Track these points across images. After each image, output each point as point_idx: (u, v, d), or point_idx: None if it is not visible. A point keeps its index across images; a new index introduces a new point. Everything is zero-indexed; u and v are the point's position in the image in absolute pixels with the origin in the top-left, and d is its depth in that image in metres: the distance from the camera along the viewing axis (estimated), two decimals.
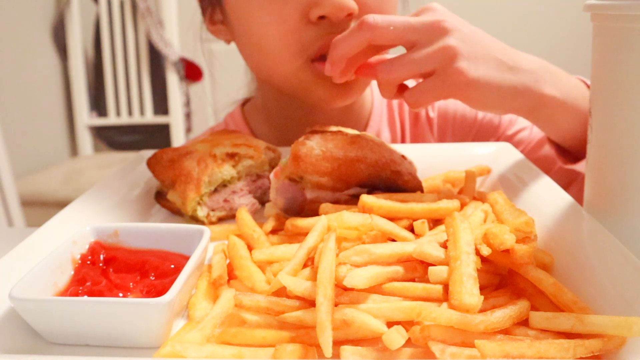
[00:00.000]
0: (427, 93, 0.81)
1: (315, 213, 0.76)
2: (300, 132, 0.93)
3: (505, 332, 0.52)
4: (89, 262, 0.66)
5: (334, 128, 0.84)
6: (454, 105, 1.25)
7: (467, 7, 3.41)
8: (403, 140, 1.27)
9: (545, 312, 0.52)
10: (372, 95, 1.28)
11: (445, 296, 0.54)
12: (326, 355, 0.48)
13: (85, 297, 0.58)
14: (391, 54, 0.92)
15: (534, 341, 0.48)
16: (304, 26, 0.94)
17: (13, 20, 3.09)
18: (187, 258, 0.64)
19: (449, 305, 0.52)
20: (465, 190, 0.82)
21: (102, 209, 0.84)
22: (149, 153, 1.01)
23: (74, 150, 3.53)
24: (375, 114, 1.25)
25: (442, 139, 1.26)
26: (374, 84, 1.29)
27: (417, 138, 1.28)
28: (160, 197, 0.92)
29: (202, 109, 3.58)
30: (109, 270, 0.65)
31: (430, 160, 0.95)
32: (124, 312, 0.54)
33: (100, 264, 0.66)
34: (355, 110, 1.22)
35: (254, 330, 0.54)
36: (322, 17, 0.93)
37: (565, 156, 1.03)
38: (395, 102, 1.29)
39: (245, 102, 1.35)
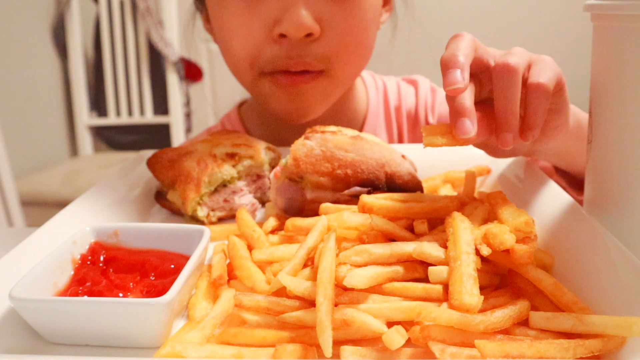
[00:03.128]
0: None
1: (315, 213, 0.76)
2: (292, 134, 0.93)
3: (505, 332, 0.52)
4: (89, 262, 0.66)
5: (333, 128, 0.84)
6: None
7: (468, 7, 3.42)
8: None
9: (545, 312, 0.52)
10: (368, 98, 1.27)
11: (445, 296, 0.54)
12: (326, 355, 0.48)
13: (85, 297, 0.58)
14: None
15: (534, 341, 0.48)
16: (268, 43, 0.96)
17: (13, 20, 3.09)
18: (187, 258, 0.64)
19: (449, 305, 0.52)
20: (465, 190, 0.82)
21: (102, 209, 0.84)
22: (149, 153, 1.01)
23: (74, 150, 3.53)
24: (370, 117, 1.25)
25: None
26: (369, 86, 1.29)
27: (415, 143, 1.28)
28: (160, 197, 0.92)
29: (202, 109, 3.58)
30: (109, 270, 0.65)
31: (430, 160, 0.95)
32: (124, 312, 0.54)
33: (100, 264, 0.66)
34: (347, 113, 1.22)
35: (254, 330, 0.54)
36: (283, 36, 0.94)
37: (578, 187, 1.00)
38: (392, 106, 1.28)
39: (242, 104, 1.35)
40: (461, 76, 0.63)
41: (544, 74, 0.68)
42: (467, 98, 0.65)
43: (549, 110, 0.71)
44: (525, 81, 0.69)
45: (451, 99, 0.65)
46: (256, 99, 1.10)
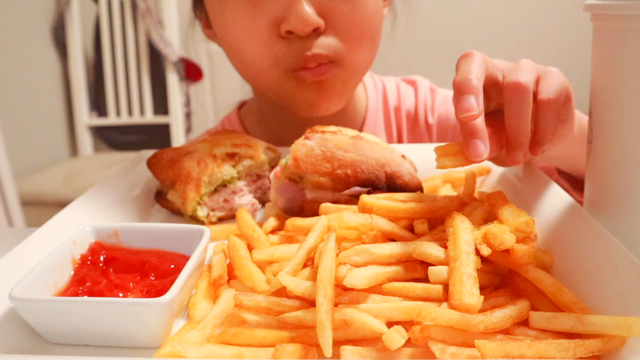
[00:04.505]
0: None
1: (315, 213, 0.76)
2: (293, 135, 0.94)
3: (505, 332, 0.52)
4: (89, 263, 0.66)
5: (333, 128, 0.84)
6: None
7: (469, 7, 3.42)
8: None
9: (545, 312, 0.52)
10: (367, 98, 1.27)
11: (445, 296, 0.54)
12: (326, 355, 0.48)
13: (85, 297, 0.58)
14: None
15: (534, 341, 0.48)
16: (275, 40, 0.97)
17: (13, 20, 3.09)
18: (187, 258, 0.64)
19: (449, 305, 0.52)
20: (465, 190, 0.82)
21: (102, 209, 0.84)
22: (149, 153, 1.01)
23: (74, 150, 3.53)
24: (370, 117, 1.25)
25: None
26: (368, 86, 1.29)
27: (414, 143, 1.28)
28: (160, 197, 0.92)
29: (202, 109, 3.58)
30: (109, 270, 0.65)
31: (430, 160, 0.95)
32: (124, 312, 0.54)
33: (100, 264, 0.66)
34: (347, 113, 1.22)
35: (254, 330, 0.54)
36: (290, 32, 0.94)
37: (580, 189, 1.00)
38: (392, 107, 1.28)
39: (241, 105, 1.35)
40: (476, 102, 0.63)
41: (554, 88, 0.69)
42: (479, 118, 0.64)
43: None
44: (535, 96, 0.68)
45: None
46: (278, 99, 1.09)
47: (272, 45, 0.97)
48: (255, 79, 1.08)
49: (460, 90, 0.64)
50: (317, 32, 0.96)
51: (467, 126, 0.64)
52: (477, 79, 0.64)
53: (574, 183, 1.01)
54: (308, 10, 0.92)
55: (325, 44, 0.97)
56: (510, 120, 0.67)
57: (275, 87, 1.05)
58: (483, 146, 0.64)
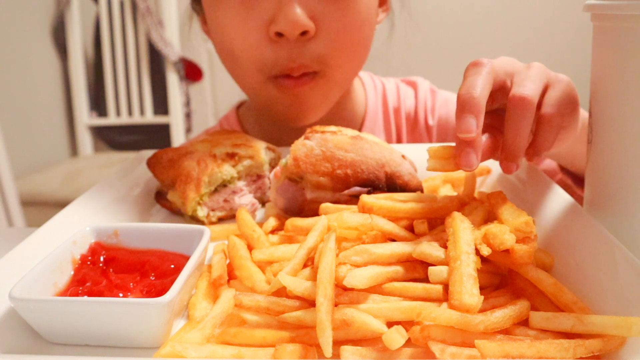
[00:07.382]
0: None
1: (315, 213, 0.76)
2: (291, 135, 0.94)
3: (505, 332, 0.52)
4: (89, 263, 0.66)
5: (333, 128, 0.84)
6: None
7: (469, 7, 3.42)
8: None
9: (545, 312, 0.52)
10: (366, 99, 1.27)
11: (445, 296, 0.54)
12: (326, 355, 0.48)
13: (85, 297, 0.58)
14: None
15: (534, 341, 0.48)
16: (266, 43, 0.96)
17: (13, 20, 3.09)
18: (187, 258, 0.64)
19: (449, 305, 0.52)
20: (465, 190, 0.82)
21: (102, 209, 0.84)
22: (149, 153, 1.01)
23: (74, 150, 3.53)
24: (369, 119, 1.25)
25: None
26: (368, 87, 1.29)
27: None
28: (160, 197, 0.92)
29: (202, 109, 3.58)
30: (109, 270, 0.65)
31: None
32: (124, 312, 0.54)
33: (101, 264, 0.66)
34: (345, 115, 1.22)
35: (254, 330, 0.54)
36: (280, 35, 0.94)
37: (583, 185, 1.01)
38: (391, 108, 1.28)
39: (240, 105, 1.35)
40: (475, 124, 0.63)
41: (559, 101, 0.69)
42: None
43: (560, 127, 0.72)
44: (539, 105, 0.69)
45: None
46: (258, 103, 1.10)
47: (261, 49, 0.97)
48: (239, 79, 1.08)
49: (462, 107, 0.64)
50: (306, 37, 0.95)
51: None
52: (481, 96, 0.64)
53: (577, 180, 1.01)
54: (298, 11, 0.91)
55: (313, 52, 0.97)
56: (509, 132, 0.68)
57: (257, 91, 1.05)
58: (475, 157, 0.64)
